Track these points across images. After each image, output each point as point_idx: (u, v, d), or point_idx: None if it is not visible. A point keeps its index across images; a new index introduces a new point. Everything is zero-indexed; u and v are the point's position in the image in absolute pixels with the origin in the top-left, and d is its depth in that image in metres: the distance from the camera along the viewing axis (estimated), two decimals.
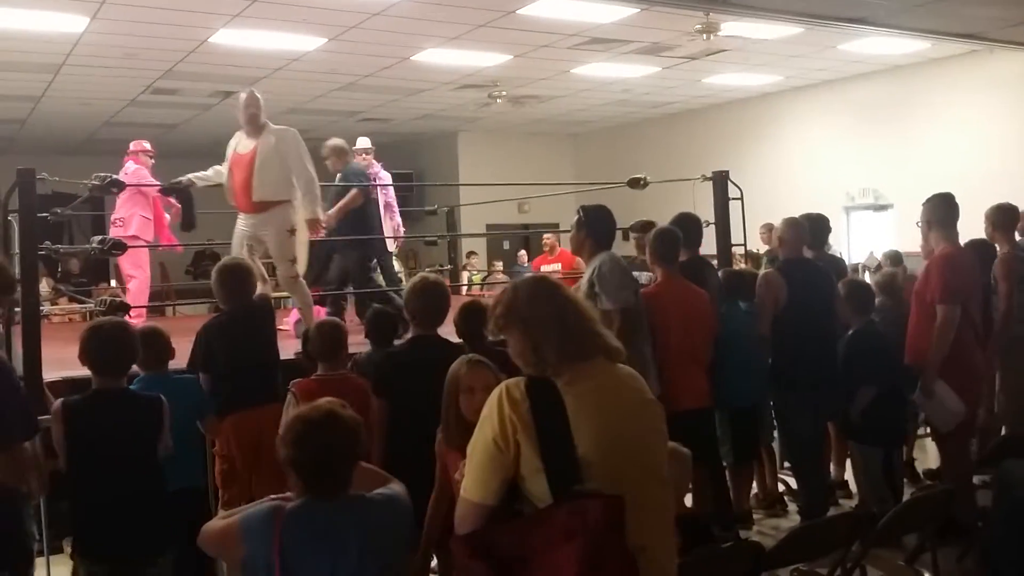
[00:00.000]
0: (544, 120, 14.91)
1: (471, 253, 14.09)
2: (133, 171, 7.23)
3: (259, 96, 5.74)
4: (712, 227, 6.79)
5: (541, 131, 15.96)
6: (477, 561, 2.03)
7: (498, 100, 12.30)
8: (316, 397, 3.52)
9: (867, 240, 11.78)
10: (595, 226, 4.54)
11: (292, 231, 5.61)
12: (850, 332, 4.97)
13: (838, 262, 6.13)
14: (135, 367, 3.62)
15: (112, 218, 7.38)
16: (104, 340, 3.33)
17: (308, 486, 2.30)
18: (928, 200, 4.71)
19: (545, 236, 11.06)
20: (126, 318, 5.47)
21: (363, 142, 7.92)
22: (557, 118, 14.83)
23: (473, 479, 2.08)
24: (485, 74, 11.15)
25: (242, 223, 5.75)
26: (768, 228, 9.61)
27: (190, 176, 6.07)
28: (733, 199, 6.91)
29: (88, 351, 3.33)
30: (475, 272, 13.17)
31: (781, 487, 5.73)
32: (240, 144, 5.77)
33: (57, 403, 3.36)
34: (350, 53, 9.78)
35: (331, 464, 2.30)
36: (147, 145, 7.65)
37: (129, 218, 7.13)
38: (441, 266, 10.04)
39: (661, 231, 4.82)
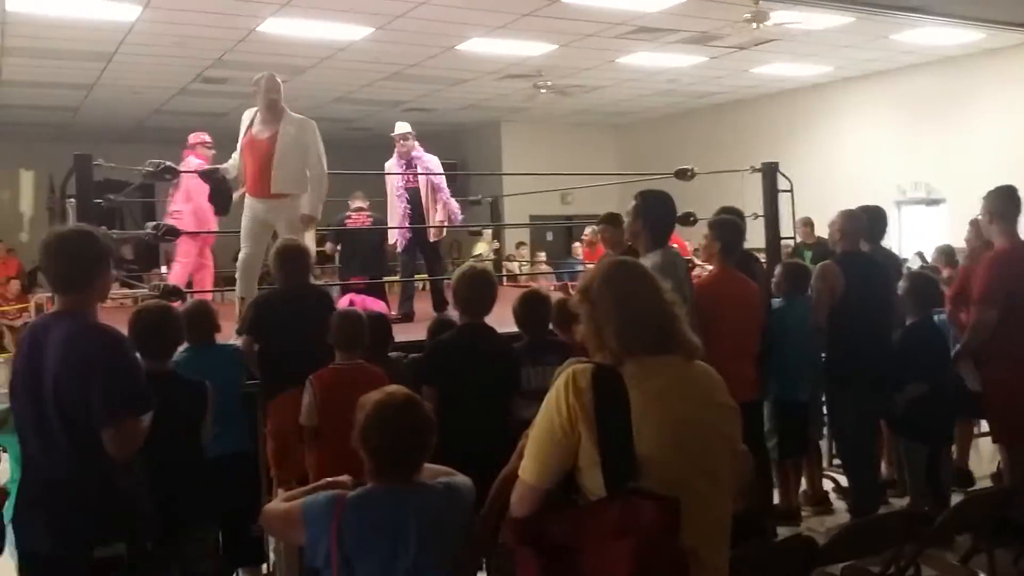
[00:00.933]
0: (588, 110, 14.83)
1: (520, 244, 14.06)
2: (194, 167, 7.31)
3: (279, 81, 5.67)
4: (760, 220, 6.73)
5: (585, 121, 15.87)
6: (527, 548, 2.03)
7: (542, 90, 12.23)
8: (333, 386, 3.65)
9: (919, 236, 11.55)
10: (654, 215, 4.09)
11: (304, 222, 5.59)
12: (907, 324, 4.88)
13: (895, 258, 6.01)
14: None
15: (170, 210, 7.52)
16: (148, 323, 3.45)
17: (382, 471, 2.30)
18: (989, 193, 4.60)
19: (586, 231, 11.06)
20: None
21: (402, 127, 7.21)
22: (601, 108, 14.74)
23: (532, 460, 2.05)
24: (530, 64, 11.12)
25: (254, 208, 5.65)
26: (806, 222, 9.45)
27: (224, 166, 5.96)
28: (782, 191, 6.82)
29: (133, 334, 3.39)
30: (524, 262, 13.16)
31: (829, 484, 5.65)
32: (256, 127, 5.65)
33: None
34: (396, 43, 9.80)
35: (409, 450, 2.31)
36: (206, 137, 7.66)
37: (185, 212, 7.28)
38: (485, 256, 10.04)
39: (730, 223, 4.70)
